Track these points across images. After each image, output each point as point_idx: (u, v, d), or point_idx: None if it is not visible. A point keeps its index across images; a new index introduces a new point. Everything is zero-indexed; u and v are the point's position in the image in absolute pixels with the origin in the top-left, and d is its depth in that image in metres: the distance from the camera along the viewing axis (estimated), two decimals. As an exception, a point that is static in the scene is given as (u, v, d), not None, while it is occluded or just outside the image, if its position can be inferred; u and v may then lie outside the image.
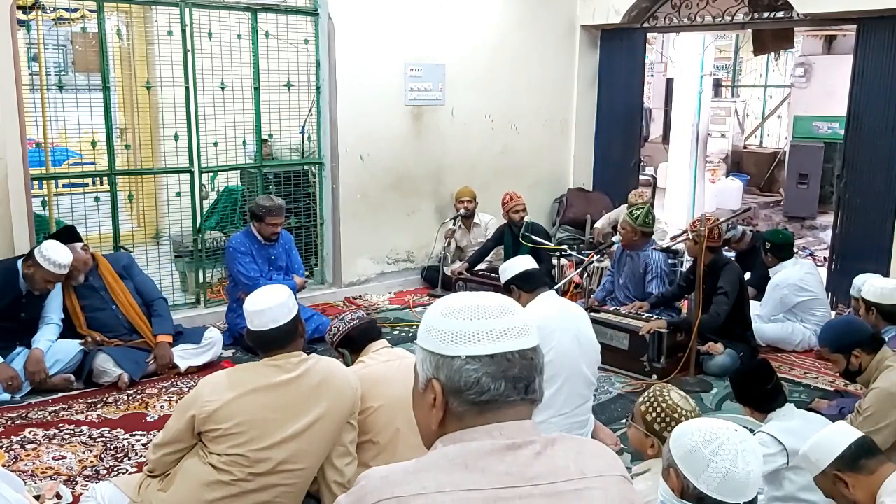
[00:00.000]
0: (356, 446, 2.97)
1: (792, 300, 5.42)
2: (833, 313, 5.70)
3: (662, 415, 2.61)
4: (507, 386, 1.21)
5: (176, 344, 4.91)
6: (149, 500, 2.78)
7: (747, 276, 5.65)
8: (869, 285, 4.24)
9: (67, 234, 4.75)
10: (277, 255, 5.48)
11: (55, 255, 4.41)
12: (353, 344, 3.23)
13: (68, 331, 4.74)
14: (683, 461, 2.01)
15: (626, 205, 6.85)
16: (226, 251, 5.53)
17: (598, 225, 7.17)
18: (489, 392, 1.21)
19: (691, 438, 2.02)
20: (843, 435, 2.45)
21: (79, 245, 4.72)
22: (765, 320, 5.47)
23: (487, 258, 6.65)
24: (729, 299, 4.92)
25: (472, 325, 1.22)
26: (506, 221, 6.45)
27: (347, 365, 3.24)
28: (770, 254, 5.58)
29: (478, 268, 6.51)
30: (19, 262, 4.53)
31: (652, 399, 2.66)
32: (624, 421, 4.28)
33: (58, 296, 4.66)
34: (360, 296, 6.69)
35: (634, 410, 2.73)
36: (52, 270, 4.41)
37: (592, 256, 5.68)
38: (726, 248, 5.90)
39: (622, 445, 3.90)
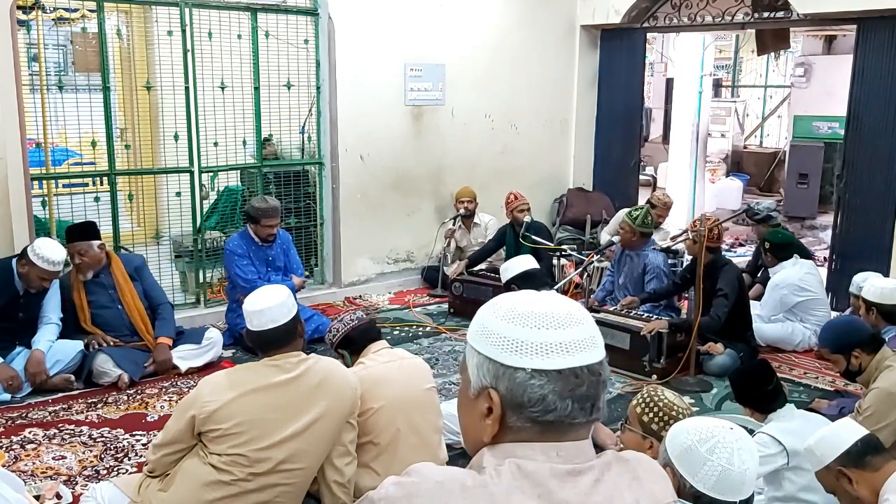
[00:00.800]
0: (357, 447, 2.97)
1: (792, 300, 5.42)
2: (834, 313, 5.70)
3: (660, 414, 2.60)
4: (574, 406, 1.10)
5: (176, 345, 4.91)
6: (149, 500, 2.78)
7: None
8: (869, 285, 4.24)
9: (87, 231, 4.75)
10: (275, 256, 5.47)
11: (48, 252, 4.40)
12: (352, 345, 3.24)
13: (72, 324, 4.73)
14: (679, 460, 2.01)
15: (625, 209, 6.86)
16: (223, 253, 5.53)
17: (603, 237, 7.07)
18: (555, 412, 1.09)
19: (687, 437, 2.02)
20: (849, 431, 2.45)
21: (96, 243, 4.72)
22: (765, 320, 5.48)
23: (487, 258, 6.64)
24: (728, 300, 4.92)
25: (539, 334, 1.09)
26: (508, 221, 6.44)
27: (347, 366, 3.24)
28: (770, 253, 5.58)
29: (477, 268, 6.50)
30: (13, 262, 4.52)
31: (647, 399, 2.65)
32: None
33: (56, 295, 4.66)
34: (360, 296, 6.69)
35: (629, 413, 2.72)
36: (45, 268, 4.40)
37: (592, 256, 5.68)
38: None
39: (622, 445, 3.90)
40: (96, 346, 4.67)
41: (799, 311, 5.45)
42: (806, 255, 5.94)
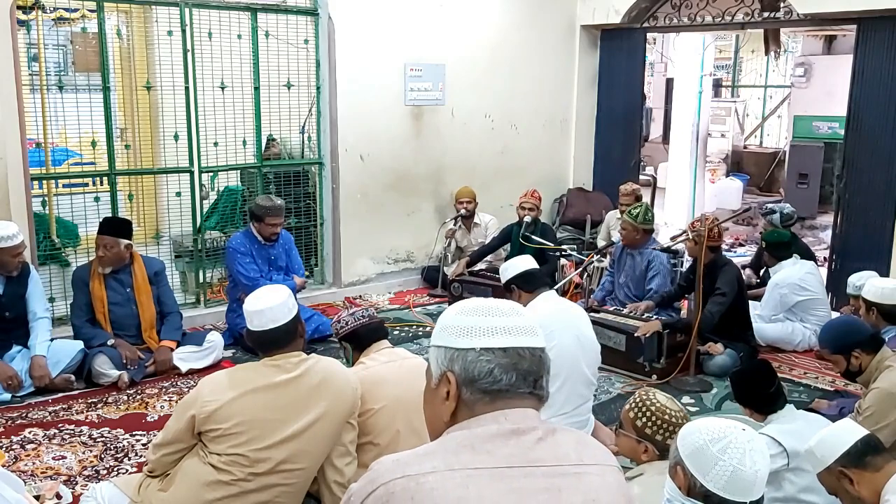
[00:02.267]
0: (357, 447, 2.96)
1: (791, 299, 5.42)
2: (834, 313, 5.70)
3: (653, 418, 2.60)
4: (518, 378, 1.31)
5: (178, 346, 4.92)
6: (149, 500, 2.78)
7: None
8: (870, 285, 4.24)
9: (119, 228, 4.79)
10: (277, 256, 5.48)
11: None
12: (357, 340, 3.20)
13: (87, 312, 4.77)
14: (691, 459, 2.01)
15: (613, 211, 6.87)
16: (225, 251, 5.53)
17: (599, 244, 7.06)
18: (501, 382, 1.30)
19: (699, 436, 2.02)
20: (850, 432, 2.45)
21: (124, 242, 4.75)
22: (765, 320, 5.48)
23: (487, 258, 6.64)
24: (725, 299, 4.92)
25: (486, 320, 1.32)
26: (517, 220, 6.42)
27: (347, 360, 3.23)
28: (768, 253, 5.61)
29: (477, 268, 6.50)
30: None
31: (639, 403, 2.65)
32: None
33: (37, 287, 4.67)
34: (360, 296, 6.69)
35: (622, 418, 2.71)
36: (5, 246, 4.38)
37: (592, 256, 5.68)
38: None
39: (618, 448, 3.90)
40: (126, 359, 4.70)
41: (799, 311, 5.45)
42: (809, 255, 5.94)
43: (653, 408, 2.61)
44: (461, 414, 1.34)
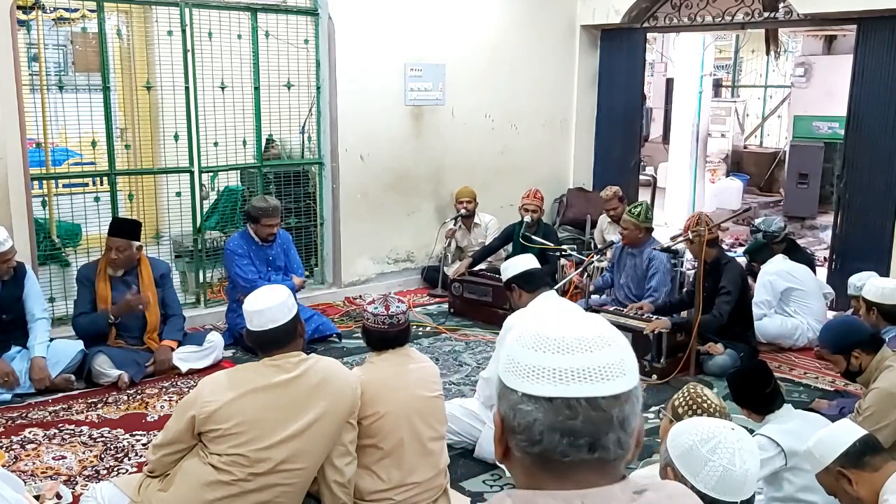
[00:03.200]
0: (359, 450, 2.96)
1: (780, 285, 5.47)
2: (833, 313, 5.70)
3: (693, 406, 2.60)
4: (563, 441, 0.99)
5: (179, 346, 4.93)
6: (149, 500, 2.78)
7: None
8: (870, 285, 4.25)
9: (131, 230, 4.77)
10: (276, 256, 5.47)
11: None
12: (372, 343, 3.14)
13: (90, 309, 4.74)
14: (681, 460, 2.01)
15: (602, 216, 6.87)
16: (223, 253, 5.53)
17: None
18: (540, 444, 1.00)
19: (689, 437, 2.02)
20: (848, 432, 2.46)
21: (135, 244, 4.74)
22: (760, 307, 5.46)
23: (489, 258, 6.63)
24: (732, 297, 4.92)
25: (534, 357, 1.01)
26: (519, 219, 6.41)
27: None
28: (755, 262, 5.74)
29: (478, 267, 6.50)
30: None
31: (686, 392, 2.67)
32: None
33: (34, 287, 4.65)
34: (360, 296, 6.68)
35: (668, 406, 2.74)
36: None
37: (592, 256, 5.69)
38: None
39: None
40: (135, 295, 4.70)
41: (792, 303, 5.47)
42: (804, 258, 5.94)
43: (703, 405, 2.61)
44: (517, 472, 1.06)
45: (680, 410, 2.65)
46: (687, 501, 1.12)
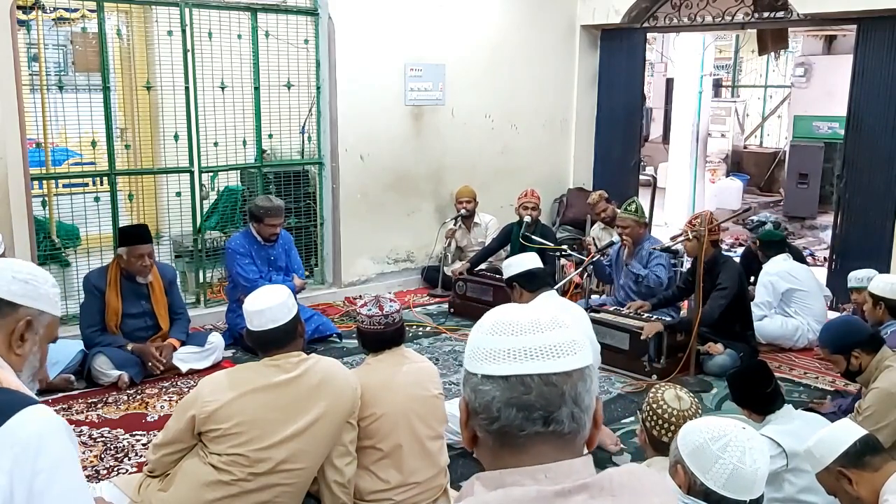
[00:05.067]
0: (359, 450, 2.96)
1: (781, 286, 5.47)
2: (833, 313, 5.71)
3: (654, 417, 2.65)
4: (519, 416, 1.05)
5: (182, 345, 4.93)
6: (149, 500, 2.78)
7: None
8: (878, 280, 4.29)
9: (147, 235, 4.74)
10: (277, 256, 5.47)
11: None
12: (368, 344, 3.14)
13: (100, 320, 4.70)
14: (691, 457, 2.01)
15: (597, 224, 6.86)
16: (225, 252, 5.53)
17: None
18: (499, 420, 1.06)
19: (699, 435, 2.02)
20: (848, 432, 2.46)
21: (147, 249, 4.67)
22: (761, 308, 5.47)
23: (489, 259, 6.63)
24: (727, 293, 4.91)
25: (493, 340, 1.08)
26: (517, 220, 6.41)
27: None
28: (761, 251, 5.76)
29: (479, 267, 6.49)
30: None
31: (649, 402, 2.71)
32: (624, 420, 4.29)
33: None
34: (360, 296, 6.67)
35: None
36: None
37: (593, 256, 5.68)
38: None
39: (622, 445, 3.90)
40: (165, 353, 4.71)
41: (793, 304, 5.47)
42: (799, 258, 5.99)
43: (658, 410, 2.63)
44: (483, 454, 1.12)
45: (643, 416, 2.67)
46: (652, 479, 1.13)
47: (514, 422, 1.05)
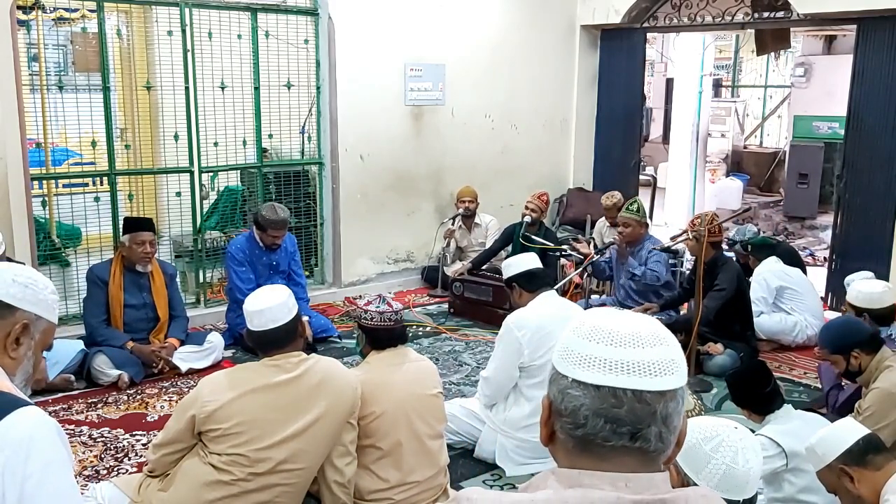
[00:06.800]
0: (359, 449, 2.96)
1: (774, 282, 5.49)
2: (833, 314, 5.70)
3: None
4: (607, 427, 1.04)
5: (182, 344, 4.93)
6: (149, 500, 2.78)
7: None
8: (855, 291, 4.22)
9: (149, 222, 4.83)
10: (279, 261, 5.47)
11: None
12: (377, 341, 3.13)
13: (106, 313, 4.73)
14: (683, 457, 2.01)
15: (601, 220, 6.87)
16: (225, 254, 5.53)
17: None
18: (584, 427, 1.05)
19: (691, 435, 2.02)
20: (851, 430, 2.46)
21: (149, 236, 4.75)
22: (756, 305, 5.46)
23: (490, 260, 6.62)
24: (724, 293, 4.91)
25: (589, 347, 1.07)
26: (519, 220, 6.40)
27: (360, 346, 3.19)
28: (752, 255, 5.77)
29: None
30: None
31: None
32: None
33: None
34: (360, 296, 6.67)
35: None
36: None
37: (592, 256, 5.68)
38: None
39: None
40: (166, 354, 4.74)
41: (788, 301, 5.48)
42: (796, 260, 5.97)
43: None
44: (560, 454, 1.11)
45: None
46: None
47: (601, 432, 1.05)
